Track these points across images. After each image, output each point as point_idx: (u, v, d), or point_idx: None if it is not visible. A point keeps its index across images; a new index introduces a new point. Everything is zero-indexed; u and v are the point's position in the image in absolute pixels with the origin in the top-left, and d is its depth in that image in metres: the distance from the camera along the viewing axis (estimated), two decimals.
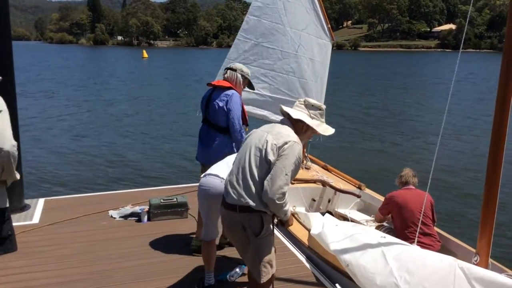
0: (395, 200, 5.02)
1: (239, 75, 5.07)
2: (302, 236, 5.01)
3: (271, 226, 3.33)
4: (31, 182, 10.58)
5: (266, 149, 3.12)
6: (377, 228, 5.21)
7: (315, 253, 4.68)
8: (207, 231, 4.16)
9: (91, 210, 6.18)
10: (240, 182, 3.19)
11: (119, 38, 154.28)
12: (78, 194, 7.61)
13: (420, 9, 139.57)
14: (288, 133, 3.20)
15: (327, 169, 7.46)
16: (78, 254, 4.88)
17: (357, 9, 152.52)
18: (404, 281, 3.19)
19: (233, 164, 3.40)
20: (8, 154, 4.02)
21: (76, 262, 4.70)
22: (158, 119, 20.53)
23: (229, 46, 7.65)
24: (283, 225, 3.48)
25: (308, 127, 3.34)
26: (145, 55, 74.13)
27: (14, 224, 5.66)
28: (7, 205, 4.61)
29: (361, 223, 5.59)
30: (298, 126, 3.33)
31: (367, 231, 4.08)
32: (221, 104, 4.90)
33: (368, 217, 6.09)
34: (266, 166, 3.12)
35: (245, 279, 4.35)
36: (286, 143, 3.11)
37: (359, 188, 6.56)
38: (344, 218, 6.04)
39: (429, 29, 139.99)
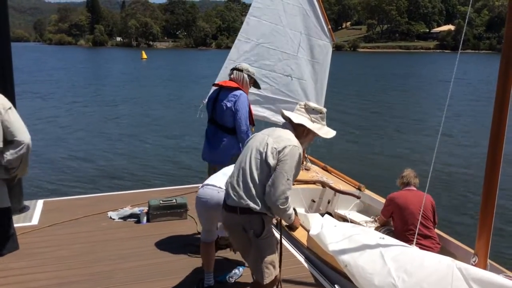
0: (396, 201, 5.01)
1: (246, 75, 5.09)
2: (301, 236, 5.01)
3: (275, 228, 3.35)
4: (30, 183, 10.57)
5: (266, 152, 3.16)
6: (377, 229, 5.21)
7: (314, 254, 4.69)
8: (207, 233, 4.17)
9: (90, 211, 6.17)
10: (241, 184, 3.22)
11: (118, 39, 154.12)
12: (77, 195, 7.62)
13: (419, 10, 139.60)
14: (288, 137, 3.23)
15: (326, 170, 7.46)
16: (77, 255, 4.88)
17: (356, 10, 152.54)
18: (402, 282, 3.19)
19: (234, 166, 3.42)
20: (28, 147, 4.18)
21: (76, 263, 4.70)
22: (157, 120, 20.53)
23: (228, 47, 7.67)
24: (292, 229, 3.52)
25: (309, 131, 3.37)
26: (144, 56, 74.05)
27: (13, 225, 5.69)
28: (9, 204, 4.65)
29: (360, 224, 5.60)
30: (299, 130, 3.36)
31: (366, 232, 4.09)
32: (229, 104, 4.92)
33: (367, 218, 6.09)
34: (266, 169, 3.15)
35: (244, 279, 4.36)
36: (286, 147, 3.15)
37: (359, 189, 6.56)
38: (343, 219, 6.04)
39: (428, 30, 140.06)
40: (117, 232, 5.55)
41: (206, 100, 5.52)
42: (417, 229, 4.32)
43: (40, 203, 6.54)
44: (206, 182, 4.12)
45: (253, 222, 3.21)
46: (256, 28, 7.08)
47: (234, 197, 3.22)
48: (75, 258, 4.82)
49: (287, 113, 3.41)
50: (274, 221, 3.44)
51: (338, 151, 14.54)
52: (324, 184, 6.53)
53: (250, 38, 7.07)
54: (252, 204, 3.15)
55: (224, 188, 3.84)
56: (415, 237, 4.33)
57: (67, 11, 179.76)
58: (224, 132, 5.01)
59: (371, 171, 12.17)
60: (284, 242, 5.24)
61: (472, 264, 3.37)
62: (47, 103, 25.14)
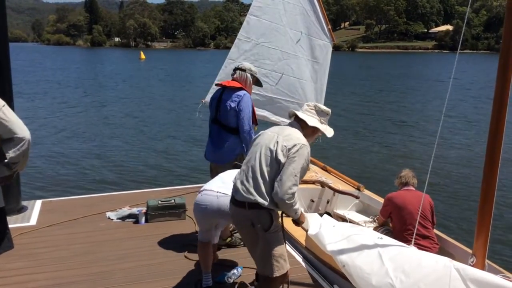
0: (394, 201, 5.00)
1: (249, 75, 5.10)
2: (300, 236, 5.01)
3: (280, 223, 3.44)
4: (28, 183, 10.57)
5: (276, 150, 3.26)
6: (375, 229, 5.20)
7: (312, 254, 4.69)
8: (204, 233, 4.16)
9: (89, 211, 6.17)
10: (250, 180, 3.30)
11: (117, 39, 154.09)
12: (75, 195, 7.60)
13: (417, 10, 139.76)
14: (298, 136, 3.36)
15: (326, 170, 7.45)
16: (75, 256, 4.87)
17: (355, 10, 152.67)
18: (400, 282, 3.19)
19: (243, 163, 3.49)
20: (29, 142, 4.22)
21: (74, 264, 4.69)
22: (156, 121, 20.51)
23: (227, 48, 7.71)
24: (298, 224, 3.59)
25: (317, 131, 3.54)
26: (143, 56, 73.99)
27: (11, 226, 5.68)
28: (3, 204, 4.65)
29: (359, 224, 5.60)
30: (309, 130, 3.52)
31: (364, 232, 4.08)
32: (233, 104, 4.92)
33: (366, 218, 6.10)
34: (276, 166, 3.25)
35: (242, 280, 4.36)
36: (295, 145, 3.27)
37: (358, 189, 6.56)
38: (342, 219, 6.05)
39: (426, 30, 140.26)
40: (116, 233, 5.54)
41: (208, 99, 5.52)
42: (416, 229, 4.32)
43: (38, 203, 6.53)
44: (205, 187, 4.11)
45: (262, 217, 3.29)
46: (257, 27, 7.08)
47: (243, 192, 3.29)
48: (73, 259, 4.81)
49: (301, 115, 3.51)
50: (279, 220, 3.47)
51: (337, 151, 14.55)
52: (323, 184, 6.53)
53: (250, 37, 7.06)
54: (260, 200, 3.23)
55: (223, 193, 3.90)
56: (413, 237, 4.32)
57: (65, 12, 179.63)
58: (228, 132, 5.02)
59: (370, 171, 12.18)
60: None
61: (470, 265, 3.37)
62: (45, 104, 25.10)
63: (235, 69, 5.17)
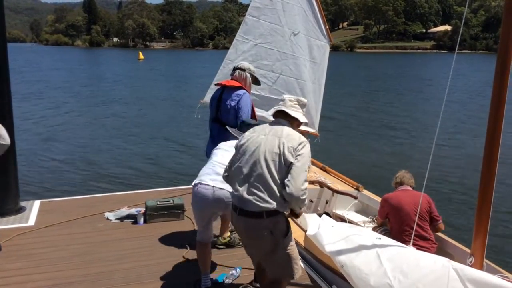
0: (390, 201, 4.99)
1: (248, 75, 5.14)
2: (298, 237, 5.01)
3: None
4: (26, 184, 10.55)
5: (283, 153, 3.22)
6: (374, 229, 5.21)
7: (311, 254, 4.69)
8: (203, 233, 4.17)
9: (87, 212, 6.16)
10: (261, 188, 3.22)
11: (115, 39, 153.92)
12: (74, 196, 7.60)
13: (415, 10, 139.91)
14: (297, 134, 3.37)
15: (325, 170, 7.45)
16: (74, 256, 4.87)
17: (353, 11, 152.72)
18: (398, 282, 3.19)
19: (236, 173, 3.38)
20: (8, 147, 4.18)
21: (72, 264, 4.69)
22: (154, 121, 20.50)
23: (225, 48, 7.70)
24: (297, 216, 3.61)
25: (300, 124, 3.59)
26: (141, 56, 73.91)
27: (10, 226, 5.69)
28: None
29: (358, 224, 5.60)
30: (295, 124, 3.52)
31: (362, 232, 4.08)
32: (232, 103, 4.97)
33: (365, 218, 6.10)
34: (285, 168, 3.22)
35: (241, 280, 4.35)
36: (300, 144, 3.28)
37: (357, 189, 6.56)
38: (341, 219, 6.05)
39: (424, 30, 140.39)
40: (114, 233, 5.54)
41: (207, 100, 5.53)
42: (414, 230, 4.32)
43: (37, 203, 6.52)
44: (200, 179, 4.12)
45: (280, 222, 3.29)
46: (255, 28, 7.08)
47: (259, 203, 3.21)
48: (72, 259, 4.81)
49: (293, 114, 3.49)
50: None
51: (336, 151, 14.56)
52: (322, 184, 6.54)
53: (248, 38, 7.07)
54: (278, 206, 3.21)
55: (219, 187, 3.94)
56: (412, 237, 4.32)
57: (63, 12, 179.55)
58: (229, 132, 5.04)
59: (369, 171, 12.18)
60: None
61: (468, 265, 3.37)
62: (43, 104, 25.08)
63: (235, 69, 5.21)
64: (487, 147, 3.28)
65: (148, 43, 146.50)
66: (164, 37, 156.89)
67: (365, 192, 6.55)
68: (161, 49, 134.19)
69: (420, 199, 4.50)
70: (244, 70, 5.14)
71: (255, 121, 4.78)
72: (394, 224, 4.94)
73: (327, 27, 7.50)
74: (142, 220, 5.82)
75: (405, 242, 4.47)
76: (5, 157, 6.00)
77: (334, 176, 7.20)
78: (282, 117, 3.50)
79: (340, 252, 3.75)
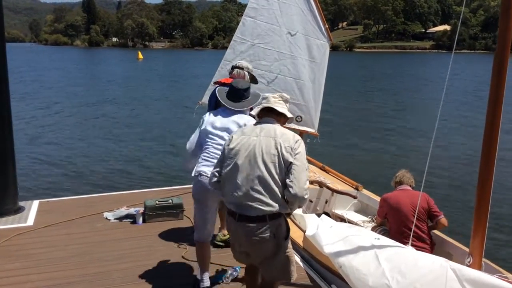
0: (389, 202, 4.98)
1: (247, 73, 5.16)
2: (297, 237, 5.01)
3: None
4: (25, 184, 10.55)
5: (282, 153, 3.15)
6: (373, 229, 5.20)
7: (310, 255, 4.69)
8: (202, 232, 4.16)
9: (86, 212, 6.17)
10: (263, 191, 3.14)
11: (114, 39, 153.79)
12: (72, 196, 7.61)
13: (415, 10, 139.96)
14: (291, 133, 3.30)
15: (324, 170, 7.43)
16: (73, 256, 4.87)
17: (352, 10, 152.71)
18: (396, 282, 3.19)
19: (230, 177, 3.26)
20: None
21: (71, 264, 4.69)
22: (153, 121, 20.49)
23: (225, 48, 7.67)
24: (288, 215, 3.55)
25: (286, 120, 3.53)
26: (140, 56, 73.81)
27: (8, 226, 5.69)
28: None
29: (358, 224, 5.60)
30: (281, 121, 3.48)
31: (361, 232, 4.08)
32: None
33: (365, 218, 6.10)
34: (284, 169, 3.14)
35: (240, 280, 4.35)
36: (296, 142, 3.22)
37: (357, 189, 6.55)
38: (341, 219, 6.04)
39: (424, 30, 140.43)
40: (113, 233, 5.54)
41: (205, 101, 5.52)
42: (412, 230, 4.31)
43: (35, 203, 6.53)
44: (200, 170, 4.11)
45: (282, 224, 3.25)
46: (252, 28, 7.07)
47: (261, 206, 3.13)
48: (70, 259, 4.81)
49: (281, 110, 3.43)
50: None
51: (336, 151, 14.56)
52: (321, 184, 6.53)
53: (245, 38, 7.06)
54: (281, 208, 3.16)
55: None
56: (410, 237, 4.32)
57: (62, 12, 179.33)
58: None
59: (369, 171, 12.17)
60: None
61: (467, 264, 3.37)
62: (42, 104, 25.04)
63: (233, 67, 5.22)
64: (485, 146, 3.28)
65: (147, 43, 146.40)
66: (163, 37, 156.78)
67: (365, 191, 6.55)
68: (160, 49, 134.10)
69: (419, 199, 4.49)
70: (242, 68, 5.15)
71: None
72: (393, 224, 4.93)
73: (327, 26, 7.48)
74: (141, 219, 5.82)
75: (403, 242, 4.47)
76: (4, 157, 6.01)
77: (333, 176, 7.20)
78: (268, 115, 3.43)
79: (339, 253, 3.75)
